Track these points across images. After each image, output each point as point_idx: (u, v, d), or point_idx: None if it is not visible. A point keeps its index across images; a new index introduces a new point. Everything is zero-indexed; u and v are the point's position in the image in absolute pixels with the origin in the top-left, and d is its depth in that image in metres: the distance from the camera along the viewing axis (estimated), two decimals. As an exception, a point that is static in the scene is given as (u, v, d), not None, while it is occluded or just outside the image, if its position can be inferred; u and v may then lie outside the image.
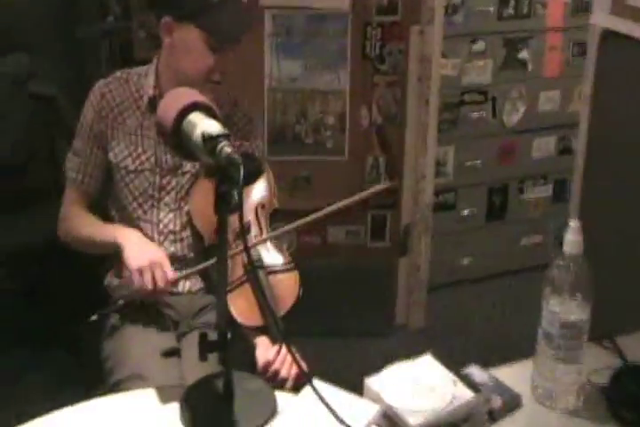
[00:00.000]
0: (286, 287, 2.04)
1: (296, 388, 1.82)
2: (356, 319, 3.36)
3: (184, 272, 2.08)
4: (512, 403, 1.59)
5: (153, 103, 2.11)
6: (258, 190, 2.22)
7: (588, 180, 2.33)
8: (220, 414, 1.55)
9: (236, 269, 2.06)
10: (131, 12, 3.19)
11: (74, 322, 2.20)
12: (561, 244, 1.58)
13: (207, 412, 1.56)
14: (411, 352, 3.24)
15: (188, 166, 2.17)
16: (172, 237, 2.19)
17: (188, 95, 1.60)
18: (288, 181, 3.20)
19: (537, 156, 3.80)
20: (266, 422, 1.51)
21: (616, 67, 2.20)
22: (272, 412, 1.54)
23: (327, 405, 1.45)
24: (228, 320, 1.59)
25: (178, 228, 2.19)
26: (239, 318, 1.98)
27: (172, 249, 2.18)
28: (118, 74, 2.22)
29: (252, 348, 2.00)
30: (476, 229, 3.71)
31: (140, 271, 1.98)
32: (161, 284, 1.98)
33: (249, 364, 1.98)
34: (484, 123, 3.63)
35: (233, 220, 2.06)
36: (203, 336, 1.53)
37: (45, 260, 2.79)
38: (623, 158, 2.20)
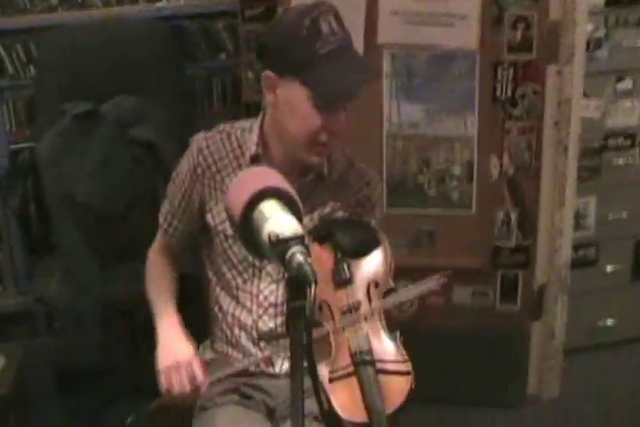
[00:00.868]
0: (396, 387, 1.76)
1: None
2: (482, 388, 3.05)
3: (217, 374, 1.89)
4: None
5: (256, 162, 1.91)
6: (372, 264, 1.94)
7: None
8: None
9: (341, 357, 1.80)
10: (242, 49, 3.00)
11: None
12: None
13: None
14: (544, 424, 2.99)
15: None
16: (272, 310, 1.97)
17: (264, 177, 1.37)
18: (408, 237, 2.91)
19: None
20: None
21: None
22: None
23: None
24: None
25: (280, 300, 1.96)
26: (341, 412, 1.73)
27: (272, 324, 1.97)
28: (221, 127, 2.00)
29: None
30: (619, 288, 3.34)
31: (166, 371, 1.84)
32: (186, 388, 1.82)
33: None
34: (631, 170, 3.27)
35: (340, 297, 1.86)
36: None
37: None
38: None
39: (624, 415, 3.05)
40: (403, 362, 1.79)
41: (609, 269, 3.35)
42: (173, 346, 1.91)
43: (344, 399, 1.74)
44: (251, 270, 1.97)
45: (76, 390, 3.03)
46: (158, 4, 3.26)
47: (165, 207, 2.07)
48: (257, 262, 1.95)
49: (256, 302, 1.97)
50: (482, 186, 2.91)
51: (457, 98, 2.83)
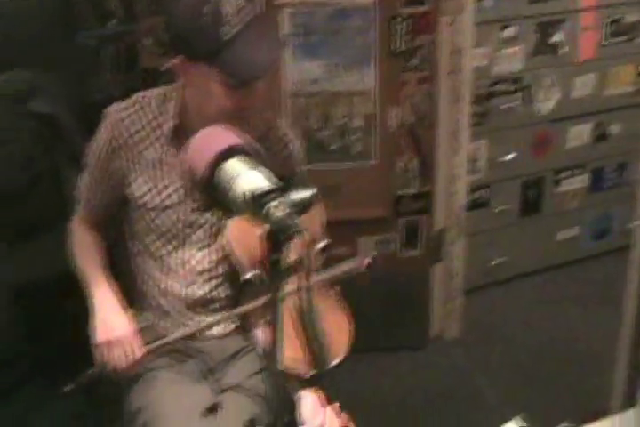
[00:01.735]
0: (339, 339, 1.85)
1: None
2: (388, 333, 3.16)
3: (156, 343, 1.90)
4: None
5: (175, 134, 1.89)
6: (307, 223, 1.97)
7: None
8: None
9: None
10: (136, 15, 2.91)
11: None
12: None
13: None
14: (448, 365, 3.13)
15: None
16: (200, 278, 1.97)
17: (224, 137, 1.39)
18: (313, 192, 2.96)
19: (572, 145, 3.58)
20: None
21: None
22: None
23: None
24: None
25: (208, 267, 1.97)
26: (288, 366, 1.74)
27: (202, 291, 1.98)
28: (134, 97, 1.95)
29: (292, 404, 1.79)
30: (510, 226, 3.50)
31: (104, 347, 1.83)
32: (124, 364, 1.83)
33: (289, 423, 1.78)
34: (517, 113, 3.41)
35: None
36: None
37: (51, 296, 2.57)
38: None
39: (523, 348, 3.23)
40: (344, 317, 1.89)
41: (499, 208, 3.50)
42: (110, 319, 1.88)
43: (289, 354, 1.74)
44: (176, 241, 1.95)
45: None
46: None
47: (84, 181, 2.02)
48: (184, 230, 1.94)
49: (184, 271, 1.96)
50: (382, 137, 2.96)
51: (355, 53, 2.85)
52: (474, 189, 3.36)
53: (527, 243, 3.59)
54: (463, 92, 3.03)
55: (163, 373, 1.92)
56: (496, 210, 3.49)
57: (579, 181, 3.64)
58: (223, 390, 1.92)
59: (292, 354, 1.76)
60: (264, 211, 1.22)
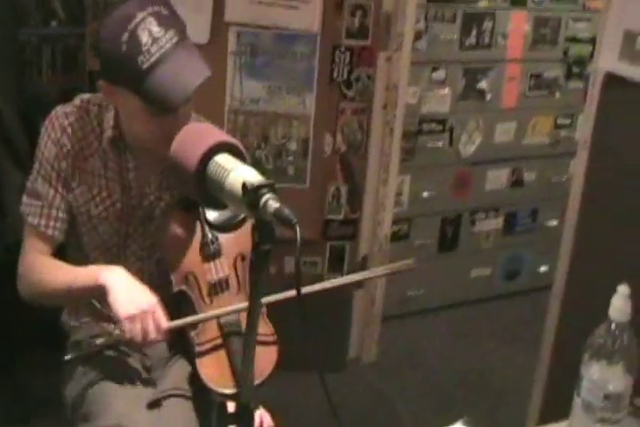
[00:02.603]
0: (264, 358, 1.78)
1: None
2: (309, 353, 3.21)
3: (179, 322, 1.84)
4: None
5: (114, 144, 1.89)
6: (239, 238, 1.93)
7: (581, 226, 2.26)
8: None
9: (209, 330, 1.84)
10: (83, 17, 2.98)
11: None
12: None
13: None
14: (366, 387, 3.20)
15: (157, 212, 1.95)
16: None
17: (212, 133, 1.42)
18: (245, 209, 3.03)
19: (490, 187, 3.76)
20: None
21: (618, 111, 2.13)
22: None
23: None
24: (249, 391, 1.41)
25: (145, 279, 1.90)
26: (210, 384, 1.78)
27: None
28: (77, 102, 1.92)
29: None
30: (428, 260, 3.63)
31: (131, 320, 1.74)
32: (152, 335, 1.76)
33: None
34: (441, 153, 3.58)
35: (207, 270, 1.89)
36: (221, 408, 1.36)
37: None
38: (622, 205, 2.13)
39: (435, 375, 3.34)
40: (270, 334, 1.83)
41: (418, 242, 3.63)
42: (133, 292, 1.79)
43: (212, 372, 1.78)
44: (114, 250, 1.96)
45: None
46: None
47: (33, 204, 1.91)
48: (121, 242, 1.95)
49: None
50: (316, 162, 3.08)
51: (297, 77, 2.98)
52: (395, 221, 3.47)
53: (443, 277, 3.72)
54: (396, 126, 3.18)
55: (107, 377, 1.90)
56: (415, 243, 3.62)
57: (493, 223, 3.81)
58: (162, 391, 1.91)
59: (216, 372, 1.78)
60: (262, 202, 1.23)
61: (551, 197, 3.86)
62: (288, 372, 3.08)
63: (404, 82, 3.15)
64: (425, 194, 3.57)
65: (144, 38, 1.67)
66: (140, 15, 1.69)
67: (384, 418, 3.05)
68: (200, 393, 1.85)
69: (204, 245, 1.91)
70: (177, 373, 1.95)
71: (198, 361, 1.80)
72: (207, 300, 1.87)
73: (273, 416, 1.93)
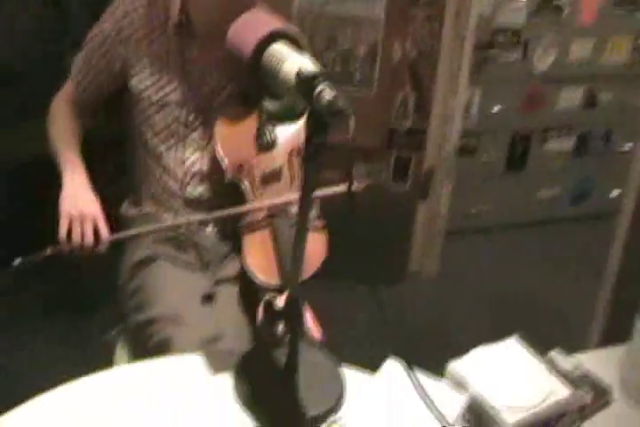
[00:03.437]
0: (312, 247, 1.75)
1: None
2: (369, 264, 3.19)
3: (121, 234, 1.87)
4: (603, 398, 1.42)
5: (181, 29, 1.88)
6: (295, 131, 1.94)
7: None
8: (281, 390, 1.35)
9: (258, 214, 1.85)
10: None
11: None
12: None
13: (266, 386, 1.36)
14: (422, 301, 3.18)
15: (217, 101, 1.93)
16: (197, 177, 1.97)
17: (269, 21, 1.37)
18: (309, 114, 2.99)
19: (563, 106, 3.64)
20: (336, 404, 1.34)
21: None
22: (340, 393, 1.37)
23: (422, 391, 1.25)
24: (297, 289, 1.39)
25: (205, 168, 1.96)
26: (256, 272, 1.77)
27: (198, 190, 1.97)
28: None
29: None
30: (494, 177, 3.56)
31: (68, 218, 1.79)
32: (89, 240, 1.78)
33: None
34: (513, 67, 3.47)
35: (261, 160, 1.90)
36: (267, 303, 1.34)
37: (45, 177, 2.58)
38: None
39: (494, 293, 3.29)
40: (317, 219, 1.84)
41: (485, 158, 3.56)
42: (80, 196, 1.84)
43: (259, 262, 1.78)
44: (175, 137, 1.95)
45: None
46: None
47: (81, 60, 1.99)
48: (181, 129, 1.94)
49: (182, 170, 1.96)
50: (384, 68, 3.01)
51: (368, -21, 2.91)
52: (463, 135, 3.38)
53: (509, 196, 3.65)
54: (467, 36, 3.08)
55: (162, 257, 1.92)
56: (482, 159, 3.55)
57: (565, 143, 3.71)
58: (217, 282, 1.93)
59: (263, 264, 1.77)
60: (315, 92, 1.18)
61: (626, 120, 3.74)
62: (342, 281, 3.12)
63: (477, -12, 3.06)
64: (495, 109, 3.48)
65: None
66: None
67: (438, 332, 3.02)
68: (249, 288, 1.83)
69: (259, 135, 1.90)
70: (233, 266, 1.95)
71: (245, 250, 1.80)
72: (259, 190, 1.86)
73: (320, 323, 1.84)
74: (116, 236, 1.86)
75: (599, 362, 1.49)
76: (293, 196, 1.82)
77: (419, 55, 3.03)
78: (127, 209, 2.09)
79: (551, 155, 3.71)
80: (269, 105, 1.89)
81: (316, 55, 2.80)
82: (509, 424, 1.28)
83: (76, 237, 1.79)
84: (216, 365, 1.44)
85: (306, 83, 1.20)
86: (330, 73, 1.22)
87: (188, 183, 1.96)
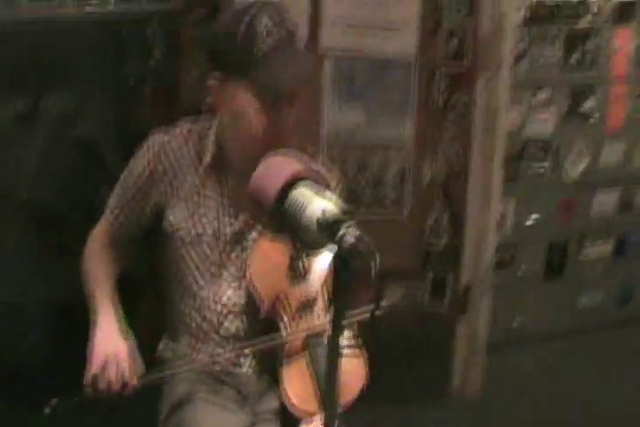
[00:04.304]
0: (351, 373, 1.74)
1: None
2: (412, 385, 3.14)
3: (148, 376, 1.85)
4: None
5: (214, 164, 1.90)
6: (328, 260, 1.86)
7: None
8: None
9: (294, 345, 1.83)
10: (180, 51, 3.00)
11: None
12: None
13: None
14: (469, 420, 3.10)
15: (251, 237, 1.92)
16: (232, 314, 1.94)
17: (288, 165, 1.39)
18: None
19: (598, 211, 3.62)
20: None
21: None
22: None
23: None
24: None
25: (241, 304, 1.93)
26: (294, 400, 1.75)
27: (233, 329, 1.94)
28: (178, 130, 1.96)
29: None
30: (532, 288, 3.51)
31: (97, 364, 1.79)
32: (113, 385, 1.78)
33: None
34: (545, 177, 3.47)
35: (295, 292, 1.87)
36: None
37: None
38: None
39: (543, 409, 3.18)
40: (356, 346, 1.80)
41: (523, 269, 3.52)
42: (108, 342, 1.85)
43: (296, 385, 1.76)
44: (210, 273, 1.93)
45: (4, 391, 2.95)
46: (87, 9, 3.22)
47: (115, 199, 2.00)
48: (217, 263, 1.92)
49: (216, 308, 1.94)
50: (415, 189, 3.02)
51: (394, 104, 2.94)
52: (499, 248, 3.35)
53: (550, 306, 3.59)
54: (496, 152, 3.09)
55: (201, 395, 1.89)
56: (520, 271, 3.51)
57: (603, 248, 3.67)
58: (256, 415, 1.90)
59: (302, 394, 1.75)
60: (337, 236, 1.20)
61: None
62: (384, 405, 3.06)
63: (504, 105, 3.07)
64: (530, 219, 3.46)
65: (260, 28, 1.75)
66: (256, 8, 1.77)
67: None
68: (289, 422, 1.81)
69: (292, 267, 1.89)
70: (270, 402, 1.91)
71: (283, 381, 1.78)
72: (295, 322, 1.84)
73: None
74: (145, 379, 1.84)
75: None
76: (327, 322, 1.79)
77: (449, 174, 3.04)
78: (163, 350, 2.06)
79: (589, 260, 3.67)
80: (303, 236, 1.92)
81: (347, 181, 2.84)
82: None
83: (102, 383, 1.78)
84: None
85: (328, 228, 1.21)
86: (352, 213, 1.22)
87: (225, 318, 1.93)
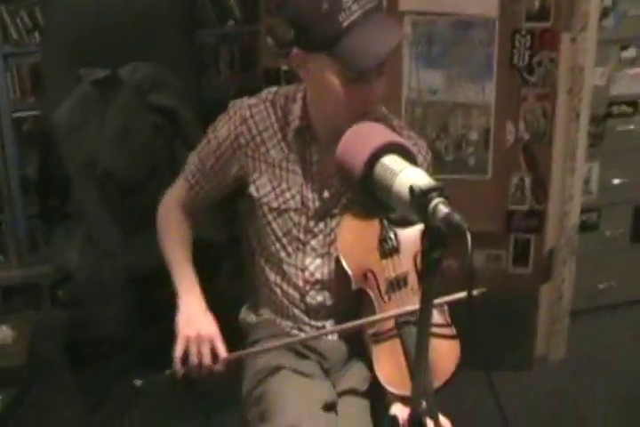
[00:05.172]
0: (443, 355, 1.69)
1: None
2: (494, 351, 3.09)
3: (240, 352, 1.88)
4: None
5: (301, 134, 1.87)
6: (419, 234, 1.90)
7: None
8: None
9: (385, 324, 1.77)
10: (258, 15, 2.97)
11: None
12: None
13: None
14: (551, 388, 3.05)
15: (338, 208, 1.90)
16: (318, 285, 1.93)
17: (380, 133, 1.36)
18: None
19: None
20: None
21: None
22: None
23: None
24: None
25: (326, 276, 1.92)
26: (386, 383, 1.70)
27: (319, 299, 1.94)
28: (264, 95, 1.92)
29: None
30: (619, 251, 3.43)
31: (186, 341, 1.81)
32: (206, 360, 1.80)
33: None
34: (633, 136, 3.35)
35: (385, 266, 1.84)
36: (394, 420, 1.30)
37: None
38: None
39: (628, 375, 3.14)
40: (447, 326, 1.74)
41: (609, 233, 3.44)
42: (197, 317, 1.86)
43: (390, 373, 1.70)
44: (295, 244, 1.92)
45: (88, 361, 3.01)
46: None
47: (195, 165, 1.98)
48: (301, 236, 1.91)
49: (302, 278, 1.93)
50: (497, 152, 2.95)
51: (475, 65, 2.86)
52: (583, 211, 3.28)
53: (636, 270, 3.50)
54: (582, 111, 3.00)
55: (285, 365, 1.89)
56: (605, 234, 3.43)
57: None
58: (341, 393, 1.88)
59: (393, 373, 1.70)
60: (430, 207, 1.17)
61: None
62: (466, 369, 3.02)
63: (590, 63, 2.96)
64: (615, 181, 3.37)
65: None
66: None
67: (570, 423, 2.89)
68: (377, 397, 1.79)
69: (382, 241, 1.86)
70: (355, 375, 1.91)
71: (375, 361, 1.74)
72: (385, 297, 1.80)
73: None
74: (235, 355, 1.86)
75: None
76: (413, 307, 1.72)
77: (532, 136, 2.96)
78: (246, 315, 2.09)
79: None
80: None
81: (429, 144, 2.80)
82: None
83: (193, 358, 1.80)
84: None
85: (419, 198, 1.17)
86: (444, 187, 1.18)
87: (309, 291, 1.94)
